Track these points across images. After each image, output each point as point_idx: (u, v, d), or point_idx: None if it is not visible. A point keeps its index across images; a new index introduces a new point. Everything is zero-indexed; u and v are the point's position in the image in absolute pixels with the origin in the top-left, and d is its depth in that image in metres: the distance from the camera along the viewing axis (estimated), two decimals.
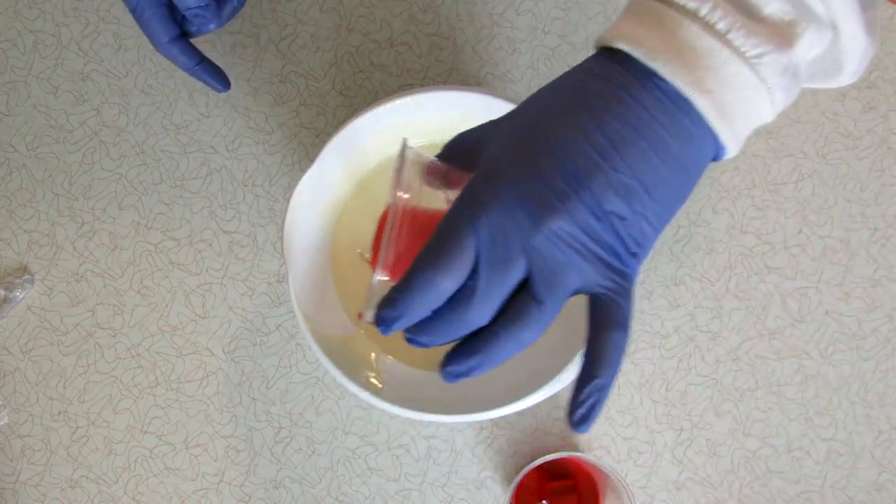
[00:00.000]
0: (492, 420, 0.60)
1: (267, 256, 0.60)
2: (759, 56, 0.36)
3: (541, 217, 0.35)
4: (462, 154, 0.41)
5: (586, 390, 0.36)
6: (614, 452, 0.60)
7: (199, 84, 0.60)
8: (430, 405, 0.53)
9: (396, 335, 0.39)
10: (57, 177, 0.61)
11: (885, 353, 0.60)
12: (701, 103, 0.36)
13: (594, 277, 0.36)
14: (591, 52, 0.61)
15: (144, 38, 0.60)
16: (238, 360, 0.60)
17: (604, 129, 0.36)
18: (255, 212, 0.60)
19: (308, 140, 0.60)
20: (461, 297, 0.36)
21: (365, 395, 0.52)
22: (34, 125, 0.61)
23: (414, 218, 0.41)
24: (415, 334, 0.37)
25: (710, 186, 0.60)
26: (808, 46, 0.37)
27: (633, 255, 0.37)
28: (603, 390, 0.36)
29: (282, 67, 0.60)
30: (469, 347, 0.37)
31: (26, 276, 0.60)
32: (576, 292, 0.37)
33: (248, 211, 0.60)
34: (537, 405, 0.60)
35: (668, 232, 0.60)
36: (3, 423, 0.60)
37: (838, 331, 0.60)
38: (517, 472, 0.57)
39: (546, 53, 0.60)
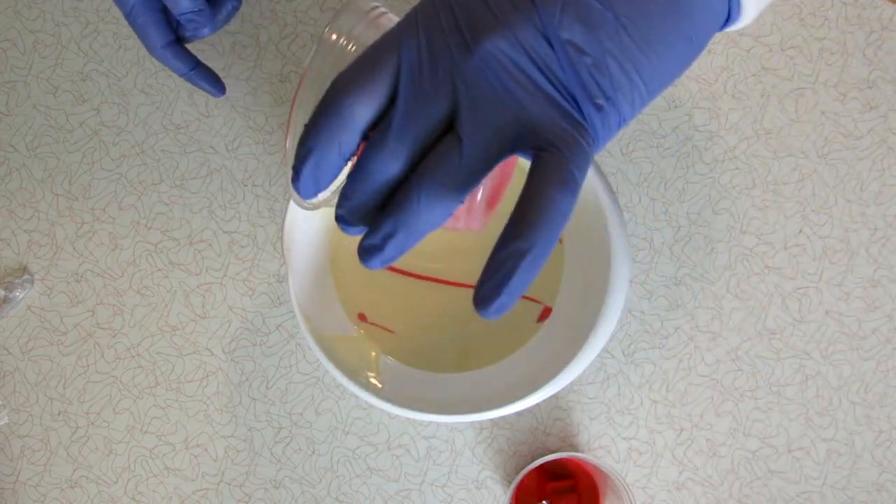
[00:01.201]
0: (492, 420, 0.60)
1: (267, 256, 0.60)
2: None
3: (474, 35, 0.29)
4: None
5: (499, 255, 0.29)
6: (614, 452, 0.60)
7: None
8: (430, 405, 0.53)
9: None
10: (57, 177, 0.61)
11: (886, 353, 0.60)
12: None
13: (536, 119, 0.29)
14: None
15: None
16: (238, 360, 0.60)
17: None
18: (255, 212, 0.60)
19: None
20: (374, 138, 0.30)
21: (365, 395, 0.52)
22: (34, 125, 0.61)
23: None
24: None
25: (710, 186, 0.60)
26: None
27: (597, 106, 0.30)
28: (522, 257, 0.29)
29: (282, 67, 0.60)
30: (383, 211, 0.31)
31: (26, 276, 0.60)
32: (513, 141, 0.30)
33: (248, 211, 0.60)
34: (537, 405, 0.60)
35: (668, 232, 0.60)
36: (3, 423, 0.60)
37: (838, 331, 0.60)
38: (517, 472, 0.57)
39: None
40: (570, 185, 0.29)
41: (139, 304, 0.60)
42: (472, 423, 0.60)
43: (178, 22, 0.50)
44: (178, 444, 0.60)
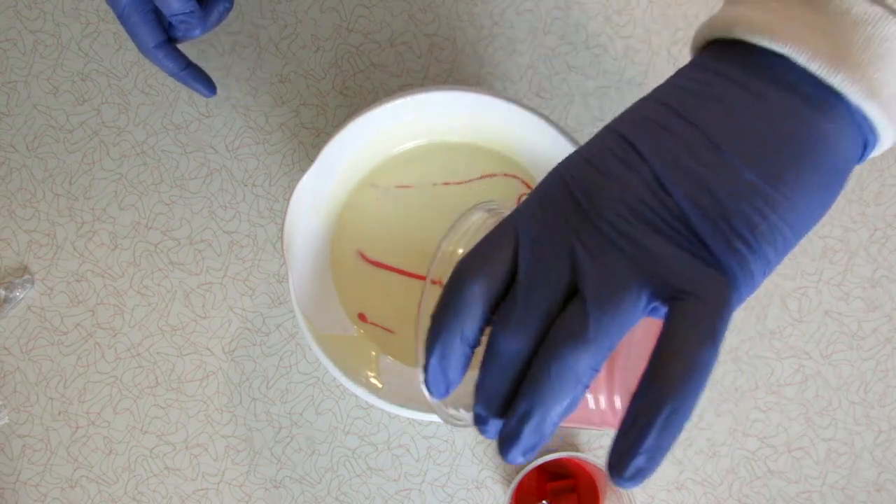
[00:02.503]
0: None
1: (267, 256, 0.60)
2: None
3: (589, 198, 0.29)
4: None
5: (638, 413, 0.27)
6: None
7: None
8: (431, 405, 0.53)
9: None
10: (57, 177, 0.61)
11: (886, 353, 0.60)
12: (842, 78, 0.29)
13: (666, 265, 0.28)
14: (591, 51, 0.61)
15: None
16: (238, 360, 0.60)
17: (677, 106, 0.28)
18: (255, 212, 0.60)
19: (308, 140, 0.60)
20: (500, 317, 0.29)
21: (365, 395, 0.52)
22: (34, 125, 0.61)
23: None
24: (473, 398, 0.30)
25: None
26: None
27: (733, 249, 0.28)
28: (666, 415, 0.26)
29: (282, 67, 0.60)
30: (516, 395, 0.29)
31: (26, 276, 0.60)
32: (643, 295, 0.28)
33: (248, 211, 0.60)
34: None
35: None
36: (3, 423, 0.60)
37: (838, 331, 0.60)
38: (517, 472, 0.57)
39: (546, 53, 0.60)
40: (715, 336, 0.27)
41: (139, 304, 0.60)
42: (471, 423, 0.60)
43: (169, 22, 0.50)
44: (178, 444, 0.60)
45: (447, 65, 0.60)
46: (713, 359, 0.27)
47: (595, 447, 0.60)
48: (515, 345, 0.29)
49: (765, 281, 0.59)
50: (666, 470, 0.59)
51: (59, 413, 0.60)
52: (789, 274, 0.60)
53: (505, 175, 0.55)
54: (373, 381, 0.54)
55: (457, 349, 0.30)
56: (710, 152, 0.28)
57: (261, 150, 0.60)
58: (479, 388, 0.30)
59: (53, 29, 0.61)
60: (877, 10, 0.28)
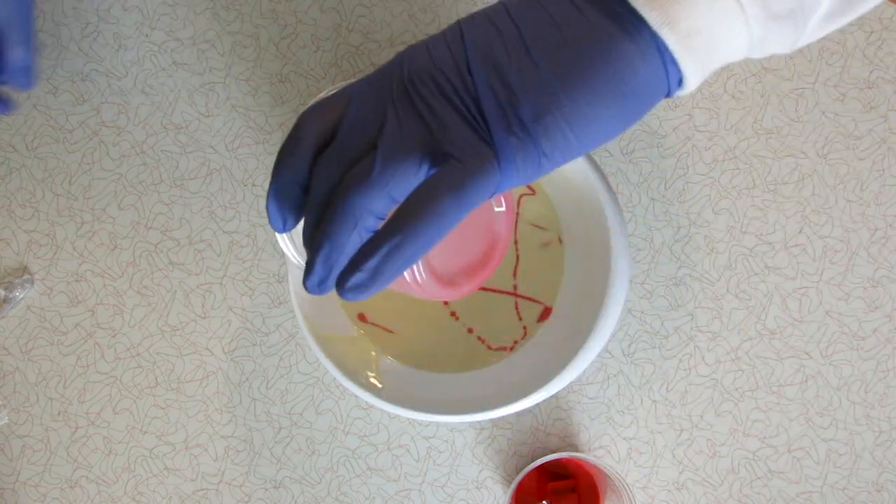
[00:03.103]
0: (492, 420, 0.60)
1: (267, 256, 0.60)
2: None
3: (407, 62, 0.34)
4: None
5: (369, 243, 0.33)
6: (614, 452, 0.60)
7: (198, 84, 0.60)
8: (430, 405, 0.53)
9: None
10: (56, 177, 0.61)
11: (886, 353, 0.60)
12: (639, 4, 0.32)
13: (446, 135, 0.33)
14: None
15: (144, 39, 0.60)
16: (238, 360, 0.60)
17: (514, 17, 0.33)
18: (255, 212, 0.60)
19: None
20: (319, 158, 0.34)
21: (365, 395, 0.52)
22: (34, 125, 0.61)
23: None
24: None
25: (710, 186, 0.60)
26: None
27: (511, 133, 0.33)
28: (390, 248, 0.32)
29: (282, 67, 0.60)
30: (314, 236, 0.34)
31: (26, 276, 0.60)
32: (425, 155, 0.33)
33: (248, 211, 0.60)
34: (537, 405, 0.60)
35: (668, 232, 0.60)
36: (3, 423, 0.60)
37: (838, 331, 0.60)
38: (517, 472, 0.57)
39: None
40: (458, 192, 0.32)
41: (139, 304, 0.60)
42: (472, 423, 0.60)
43: None
44: (178, 444, 0.60)
45: None
46: (451, 210, 0.32)
47: (595, 447, 0.60)
48: (325, 183, 0.34)
49: (765, 281, 0.59)
50: (666, 470, 0.59)
51: (59, 413, 0.60)
52: (789, 274, 0.60)
53: None
54: (373, 381, 0.54)
55: (289, 184, 0.35)
56: (518, 49, 0.33)
57: (261, 150, 0.60)
58: (304, 226, 0.35)
59: (53, 29, 0.61)
60: None
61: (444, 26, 0.60)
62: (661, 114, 0.59)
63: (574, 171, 0.51)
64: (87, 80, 0.61)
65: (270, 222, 0.36)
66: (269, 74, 0.60)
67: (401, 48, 0.60)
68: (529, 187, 0.55)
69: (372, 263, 0.32)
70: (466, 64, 0.33)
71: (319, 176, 0.34)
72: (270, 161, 0.60)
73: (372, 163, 0.33)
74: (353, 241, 0.33)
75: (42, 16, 0.61)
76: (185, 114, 0.60)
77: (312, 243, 0.34)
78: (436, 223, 0.32)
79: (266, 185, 0.60)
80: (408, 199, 0.32)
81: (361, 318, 0.56)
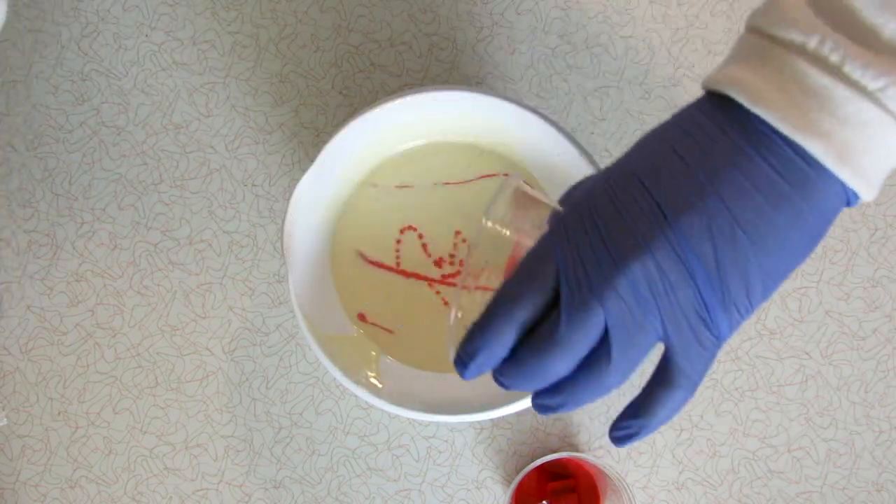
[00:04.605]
0: (492, 420, 0.60)
1: (267, 256, 0.60)
2: (882, 89, 0.32)
3: (619, 254, 0.33)
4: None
5: (628, 422, 0.36)
6: (614, 452, 0.60)
7: (199, 83, 0.60)
8: (430, 405, 0.53)
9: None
10: (56, 177, 0.61)
11: (886, 353, 0.60)
12: (816, 147, 0.32)
13: (669, 341, 0.34)
14: (591, 51, 0.61)
15: (144, 39, 0.60)
16: (238, 360, 0.60)
17: (697, 172, 0.33)
18: (255, 212, 0.60)
19: (308, 140, 0.60)
20: (542, 340, 0.34)
21: (365, 395, 0.52)
22: (34, 125, 0.61)
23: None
24: (498, 374, 0.36)
25: None
26: None
27: (727, 313, 0.34)
28: (641, 431, 0.36)
29: (282, 67, 0.60)
30: (554, 388, 0.36)
31: None
32: (652, 346, 0.35)
33: (248, 211, 0.60)
34: None
35: None
36: (2, 423, 0.60)
37: (838, 331, 0.60)
38: (517, 472, 0.57)
39: (546, 53, 0.60)
40: (686, 387, 0.35)
41: (139, 304, 0.60)
42: (472, 423, 0.60)
43: None
44: (178, 444, 0.60)
45: (447, 65, 0.60)
46: (680, 401, 0.35)
47: (595, 447, 0.60)
48: (555, 369, 0.35)
49: None
50: (666, 470, 0.59)
51: (59, 413, 0.60)
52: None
53: (505, 175, 0.55)
54: (373, 381, 0.54)
55: (497, 357, 0.36)
56: (731, 231, 0.33)
57: (261, 150, 0.60)
58: (513, 376, 0.36)
59: (53, 29, 0.61)
60: (829, 81, 0.32)
61: (444, 26, 0.60)
62: (661, 114, 0.59)
63: (576, 172, 0.51)
64: (87, 80, 0.61)
65: (464, 376, 0.37)
66: (269, 74, 0.60)
67: (401, 48, 0.60)
68: (529, 183, 0.55)
69: (619, 434, 0.37)
70: (679, 252, 0.33)
71: (544, 364, 0.35)
72: (270, 161, 0.60)
73: (605, 372, 0.35)
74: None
75: (42, 15, 0.61)
76: (185, 114, 0.60)
77: (551, 393, 0.36)
78: (664, 416, 0.37)
79: (267, 185, 0.60)
80: (644, 399, 0.36)
81: (361, 318, 0.56)
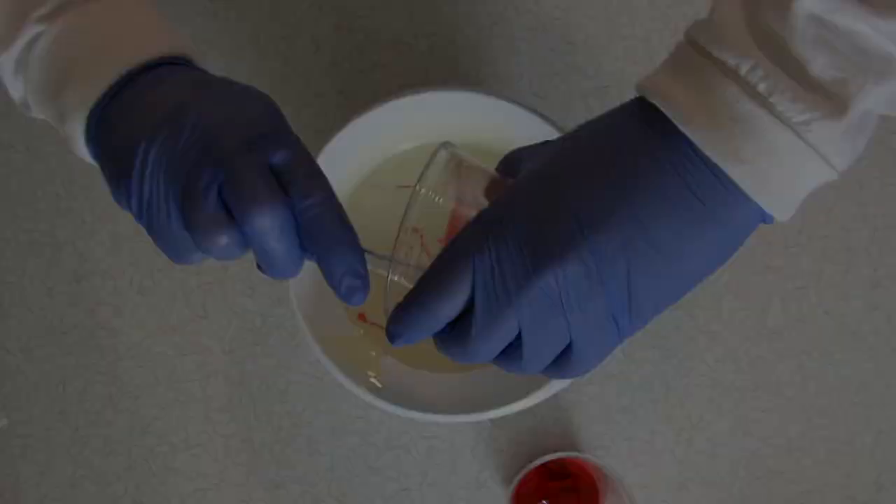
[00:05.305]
0: (492, 420, 0.60)
1: None
2: (806, 123, 0.32)
3: (535, 262, 0.34)
4: (508, 171, 0.40)
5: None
6: (614, 452, 0.60)
7: None
8: (430, 405, 0.53)
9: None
10: (57, 177, 0.61)
11: (886, 353, 0.60)
12: (736, 174, 0.33)
13: (575, 338, 0.35)
14: (591, 52, 0.61)
15: None
16: (238, 360, 0.60)
17: (618, 188, 0.34)
18: None
19: (308, 140, 0.60)
20: (462, 331, 0.36)
21: (365, 395, 0.52)
22: (34, 125, 0.61)
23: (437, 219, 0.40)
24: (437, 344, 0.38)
25: None
26: (872, 99, 0.33)
27: (633, 321, 0.35)
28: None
29: (282, 67, 0.60)
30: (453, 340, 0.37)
31: None
32: (565, 343, 0.36)
33: None
34: (537, 405, 0.60)
35: None
36: (3, 424, 0.60)
37: (838, 331, 0.60)
38: (517, 472, 0.57)
39: (546, 53, 0.60)
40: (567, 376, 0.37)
41: (139, 304, 0.60)
42: (472, 423, 0.60)
43: None
44: (178, 444, 0.60)
45: (447, 65, 0.60)
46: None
47: (595, 447, 0.60)
48: (473, 356, 0.36)
49: (765, 280, 0.59)
50: (666, 470, 0.59)
51: (59, 413, 0.60)
52: (789, 274, 0.60)
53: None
54: (373, 381, 0.54)
55: (416, 338, 0.38)
56: (644, 249, 0.34)
57: None
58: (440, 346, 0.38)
59: None
60: (755, 110, 0.33)
61: (444, 27, 0.60)
62: None
63: None
64: None
65: (393, 343, 0.39)
66: (269, 73, 0.60)
67: (401, 48, 0.60)
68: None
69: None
70: (593, 267, 0.34)
71: (461, 354, 0.37)
72: None
73: (520, 367, 0.36)
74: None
75: None
76: None
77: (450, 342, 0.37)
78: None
79: None
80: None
81: (361, 318, 0.56)
